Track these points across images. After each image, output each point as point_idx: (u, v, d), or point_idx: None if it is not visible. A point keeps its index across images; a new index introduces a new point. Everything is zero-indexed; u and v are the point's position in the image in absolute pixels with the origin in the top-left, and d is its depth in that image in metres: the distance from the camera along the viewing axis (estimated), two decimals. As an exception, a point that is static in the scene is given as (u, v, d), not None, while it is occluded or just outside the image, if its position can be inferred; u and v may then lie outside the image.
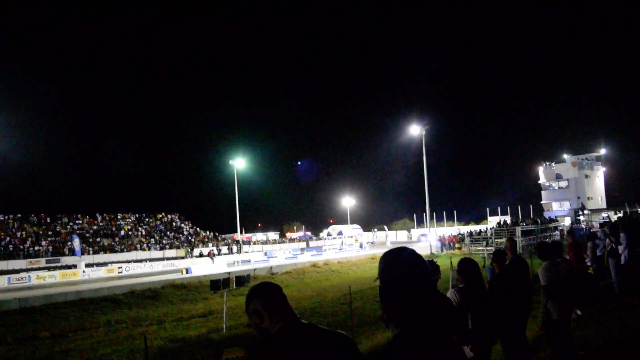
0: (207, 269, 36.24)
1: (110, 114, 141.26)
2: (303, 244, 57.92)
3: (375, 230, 69.97)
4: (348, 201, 72.76)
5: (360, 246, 53.38)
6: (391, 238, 68.10)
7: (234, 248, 51.54)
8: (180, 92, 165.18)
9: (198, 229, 58.70)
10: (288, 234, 73.92)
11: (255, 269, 33.77)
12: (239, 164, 52.65)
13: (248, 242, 58.53)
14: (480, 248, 37.02)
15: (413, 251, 1.77)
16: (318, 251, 50.33)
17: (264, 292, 1.97)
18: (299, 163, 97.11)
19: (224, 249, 50.83)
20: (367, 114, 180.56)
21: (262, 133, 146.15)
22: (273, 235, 72.27)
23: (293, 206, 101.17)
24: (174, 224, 57.68)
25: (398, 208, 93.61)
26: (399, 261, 1.72)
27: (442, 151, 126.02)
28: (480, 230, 44.04)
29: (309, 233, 72.61)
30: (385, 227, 67.47)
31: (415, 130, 44.96)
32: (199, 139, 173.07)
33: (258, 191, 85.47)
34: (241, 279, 30.56)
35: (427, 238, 59.71)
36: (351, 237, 63.46)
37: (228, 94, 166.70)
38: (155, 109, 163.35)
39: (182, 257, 44.41)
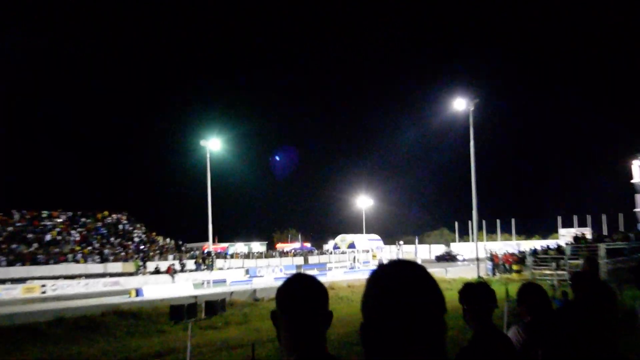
0: (165, 290, 36.24)
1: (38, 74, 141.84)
2: (300, 260, 58.09)
3: (401, 243, 69.93)
4: (364, 202, 72.49)
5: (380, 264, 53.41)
6: (423, 254, 68.07)
7: (204, 263, 51.53)
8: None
9: (154, 234, 58.74)
10: (279, 245, 74.17)
11: (232, 292, 33.64)
12: (214, 145, 52.34)
13: (224, 255, 58.63)
14: (548, 272, 36.76)
15: (418, 269, 1.47)
16: (320, 270, 50.22)
17: (294, 308, 1.91)
18: (276, 158, 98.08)
19: (190, 264, 50.84)
20: (394, 90, 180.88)
21: (253, 119, 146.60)
22: (259, 246, 72.51)
23: (288, 209, 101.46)
24: (120, 226, 57.69)
25: (433, 215, 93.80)
26: (387, 286, 1.44)
27: (495, 141, 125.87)
28: (548, 246, 43.76)
29: (308, 245, 72.85)
30: (416, 239, 67.35)
31: (460, 104, 44.58)
32: (161, 113, 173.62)
33: (241, 188, 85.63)
34: (213, 306, 30.21)
35: (463, 255, 59.94)
36: (367, 251, 63.67)
37: (213, 66, 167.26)
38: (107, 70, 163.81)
39: (131, 274, 44.46)
